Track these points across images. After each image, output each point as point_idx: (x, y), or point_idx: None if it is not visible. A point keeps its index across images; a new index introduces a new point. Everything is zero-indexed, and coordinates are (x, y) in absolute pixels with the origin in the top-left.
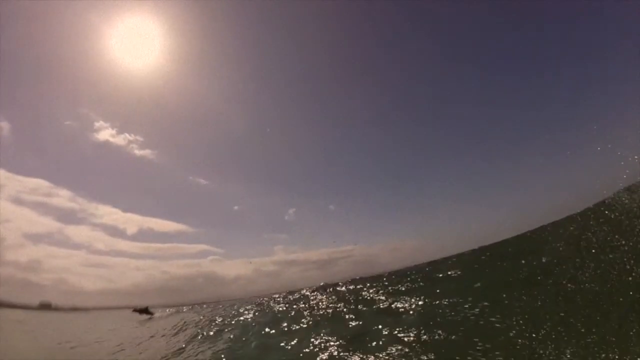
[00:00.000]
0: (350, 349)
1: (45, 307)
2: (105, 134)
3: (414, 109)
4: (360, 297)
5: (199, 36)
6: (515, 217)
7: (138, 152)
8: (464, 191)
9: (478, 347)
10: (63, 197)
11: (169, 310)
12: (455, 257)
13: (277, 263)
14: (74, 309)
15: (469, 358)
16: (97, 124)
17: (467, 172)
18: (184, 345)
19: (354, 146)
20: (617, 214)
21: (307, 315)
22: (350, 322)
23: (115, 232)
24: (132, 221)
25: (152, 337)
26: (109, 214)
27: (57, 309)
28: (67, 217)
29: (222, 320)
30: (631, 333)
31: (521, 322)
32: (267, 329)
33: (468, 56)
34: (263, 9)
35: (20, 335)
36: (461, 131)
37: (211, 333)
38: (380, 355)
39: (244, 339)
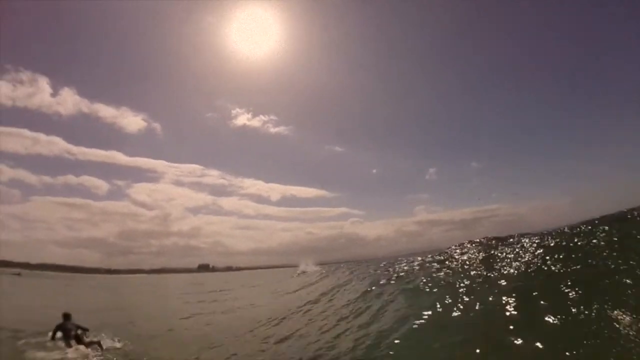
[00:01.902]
0: None
1: (203, 268)
2: (242, 119)
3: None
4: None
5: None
6: None
7: (273, 130)
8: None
9: None
10: (213, 176)
11: (317, 267)
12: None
13: (418, 223)
14: (228, 269)
15: None
16: (234, 112)
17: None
18: (319, 296)
19: (499, 99)
20: None
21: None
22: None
23: (260, 199)
24: (275, 190)
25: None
26: (254, 185)
27: (214, 269)
28: (219, 191)
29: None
30: None
31: None
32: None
33: None
34: None
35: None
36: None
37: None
38: None
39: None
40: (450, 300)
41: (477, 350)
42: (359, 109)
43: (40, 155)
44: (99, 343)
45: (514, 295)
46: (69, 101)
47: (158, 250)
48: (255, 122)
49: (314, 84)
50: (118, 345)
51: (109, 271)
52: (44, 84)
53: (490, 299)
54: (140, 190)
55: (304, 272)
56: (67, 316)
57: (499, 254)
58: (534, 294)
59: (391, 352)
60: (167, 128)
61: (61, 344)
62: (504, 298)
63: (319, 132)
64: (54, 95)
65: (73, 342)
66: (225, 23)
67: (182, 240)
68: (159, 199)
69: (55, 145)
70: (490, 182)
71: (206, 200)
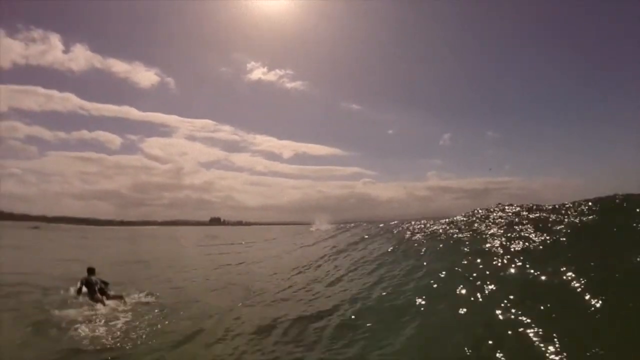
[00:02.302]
0: None
1: (215, 221)
2: (258, 73)
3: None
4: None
5: None
6: None
7: (289, 84)
8: None
9: None
10: (226, 132)
11: (328, 225)
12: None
13: (430, 188)
14: (239, 223)
15: None
16: (249, 66)
17: None
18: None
19: (521, 71)
20: None
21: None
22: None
23: (272, 156)
24: (287, 147)
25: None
26: (266, 142)
27: (225, 223)
28: (231, 146)
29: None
30: None
31: None
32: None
33: None
34: None
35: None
36: None
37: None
38: None
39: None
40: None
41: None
42: (379, 68)
43: (55, 112)
44: (121, 297)
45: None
46: (81, 57)
47: (170, 202)
48: (271, 77)
49: (333, 38)
50: (145, 299)
51: (123, 223)
52: (55, 41)
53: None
54: (154, 145)
55: (317, 229)
56: (91, 270)
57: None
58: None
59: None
60: (180, 83)
61: (86, 299)
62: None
63: (336, 88)
64: (66, 52)
65: (99, 296)
66: None
67: (195, 194)
68: (172, 153)
69: (69, 101)
70: (504, 154)
71: (218, 155)
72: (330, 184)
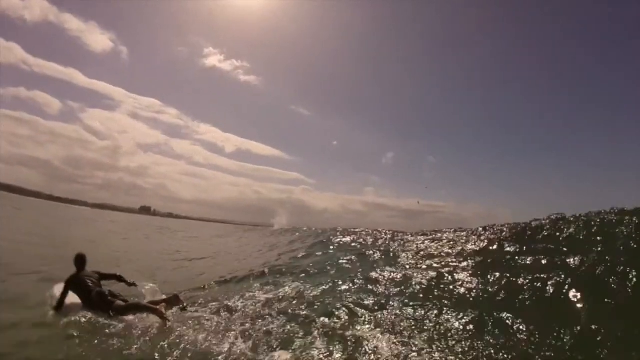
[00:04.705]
0: None
1: (145, 210)
2: (214, 59)
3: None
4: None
5: None
6: None
7: (243, 77)
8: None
9: None
10: (171, 115)
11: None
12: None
13: (365, 204)
14: (169, 215)
15: None
16: (206, 50)
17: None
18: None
19: (471, 105)
20: None
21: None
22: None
23: (214, 148)
24: (231, 141)
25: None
26: (210, 132)
27: (155, 214)
28: (173, 131)
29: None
30: None
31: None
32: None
33: None
34: None
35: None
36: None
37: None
38: None
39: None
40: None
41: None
42: (336, 77)
43: None
44: (176, 298)
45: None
46: (37, 7)
47: (103, 183)
48: (227, 66)
49: (296, 39)
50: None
51: (51, 197)
52: None
53: None
54: (95, 117)
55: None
56: (80, 261)
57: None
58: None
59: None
60: (134, 54)
61: (90, 315)
62: None
63: (289, 89)
64: None
65: (120, 303)
66: None
67: (128, 178)
68: (112, 129)
69: (12, 52)
70: (441, 179)
71: (159, 139)
72: (269, 186)
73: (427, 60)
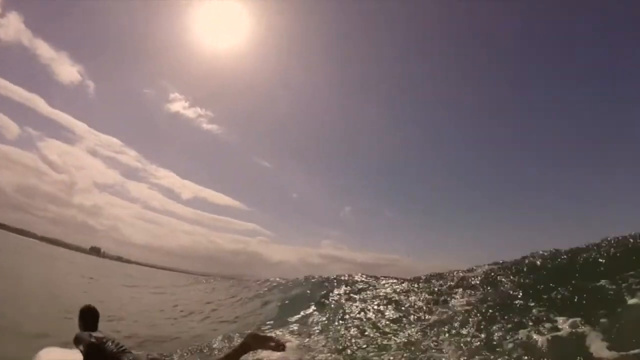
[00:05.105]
0: None
1: (95, 251)
2: (178, 105)
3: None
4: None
5: (280, 20)
6: None
7: (206, 126)
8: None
9: None
10: (130, 156)
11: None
12: None
13: (322, 256)
14: (119, 258)
15: None
16: (172, 95)
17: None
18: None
19: (427, 162)
20: None
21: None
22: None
23: (170, 194)
24: (188, 188)
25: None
26: (168, 177)
27: (104, 256)
28: (131, 173)
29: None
30: None
31: None
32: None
33: None
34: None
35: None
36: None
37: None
38: None
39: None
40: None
41: None
42: (297, 130)
43: None
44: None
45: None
46: (12, 28)
47: (54, 217)
48: (190, 113)
49: (260, 92)
50: None
51: None
52: None
53: None
54: (53, 148)
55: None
56: (90, 315)
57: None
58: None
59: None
60: (100, 90)
61: None
62: None
63: (251, 141)
64: (1, 16)
65: None
66: (190, 10)
67: (81, 216)
68: (69, 164)
69: None
70: (397, 234)
71: (116, 179)
72: (225, 236)
73: (387, 115)
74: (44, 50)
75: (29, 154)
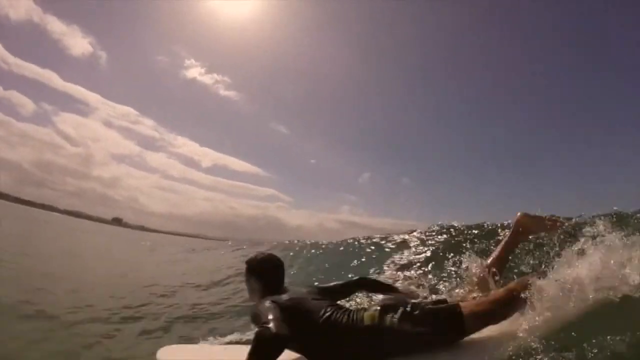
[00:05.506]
0: None
1: (116, 221)
2: (194, 72)
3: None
4: None
5: None
6: None
7: (223, 92)
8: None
9: None
10: (146, 126)
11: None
12: None
13: (340, 222)
14: (141, 228)
15: None
16: (187, 62)
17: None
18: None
19: (447, 130)
20: None
21: None
22: None
23: (190, 162)
24: (208, 155)
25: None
26: (186, 145)
27: (126, 225)
28: (148, 143)
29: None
30: None
31: None
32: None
33: None
34: None
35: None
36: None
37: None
38: None
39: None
40: None
41: None
42: (315, 96)
43: None
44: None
45: None
46: (22, 6)
47: (74, 191)
48: (207, 79)
49: (279, 57)
50: None
51: (18, 200)
52: None
53: None
54: (68, 121)
55: None
56: (275, 269)
57: None
58: None
59: None
60: (113, 60)
61: None
62: None
63: (269, 106)
64: None
65: None
66: None
67: (100, 187)
68: (85, 136)
69: None
70: (415, 201)
71: (133, 150)
72: (244, 202)
73: (406, 91)
74: (55, 25)
75: (44, 130)
